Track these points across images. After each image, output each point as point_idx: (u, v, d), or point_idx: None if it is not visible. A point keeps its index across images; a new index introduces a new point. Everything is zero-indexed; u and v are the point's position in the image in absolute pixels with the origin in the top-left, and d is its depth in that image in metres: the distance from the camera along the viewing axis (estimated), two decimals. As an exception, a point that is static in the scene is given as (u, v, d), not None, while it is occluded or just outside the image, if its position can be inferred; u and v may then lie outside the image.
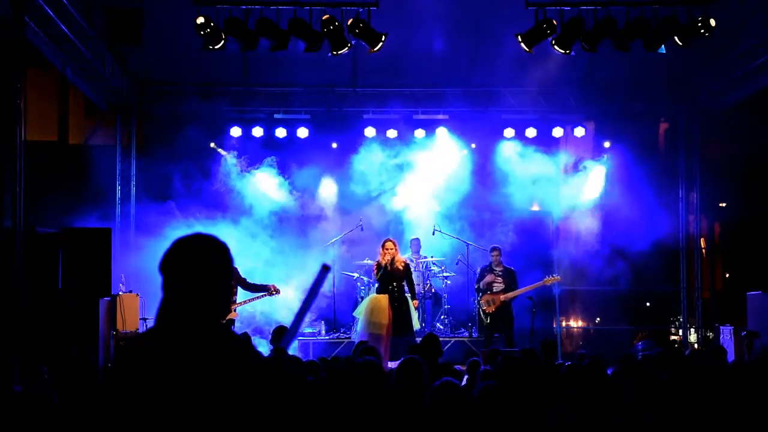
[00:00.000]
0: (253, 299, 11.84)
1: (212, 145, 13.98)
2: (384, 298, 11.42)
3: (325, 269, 2.81)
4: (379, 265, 11.59)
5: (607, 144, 14.37)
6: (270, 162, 13.91)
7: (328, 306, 13.49)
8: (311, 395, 4.97)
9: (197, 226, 13.00)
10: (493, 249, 12.38)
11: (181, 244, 2.58)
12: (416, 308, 11.78)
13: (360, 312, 11.72)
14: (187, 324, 2.50)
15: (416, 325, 11.71)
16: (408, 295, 11.58)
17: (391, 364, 9.24)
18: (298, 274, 12.78)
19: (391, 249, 11.53)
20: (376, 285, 11.72)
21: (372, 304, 11.51)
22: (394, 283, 11.46)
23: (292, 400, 4.38)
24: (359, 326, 11.59)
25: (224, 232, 13.25)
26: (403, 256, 11.95)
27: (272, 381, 2.53)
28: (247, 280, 11.70)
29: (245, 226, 13.55)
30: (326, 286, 13.40)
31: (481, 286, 12.26)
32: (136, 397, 2.42)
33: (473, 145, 14.52)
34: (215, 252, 2.59)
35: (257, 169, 13.87)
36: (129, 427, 2.40)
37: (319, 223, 14.08)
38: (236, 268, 11.84)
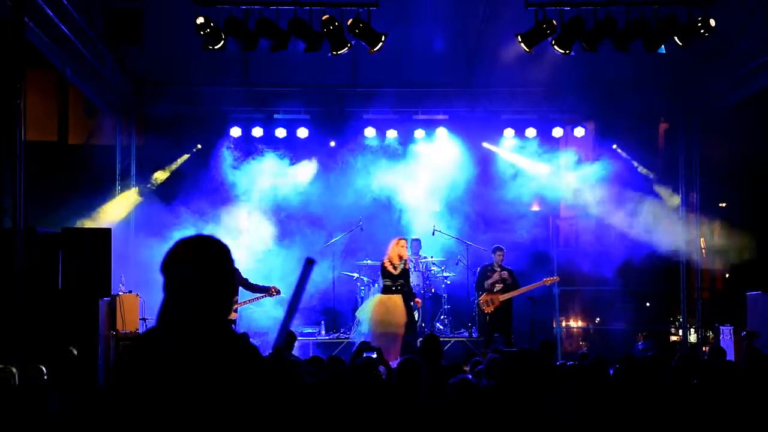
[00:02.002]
0: (253, 300, 11.87)
1: (206, 142, 14.01)
2: (400, 298, 11.43)
3: (309, 263, 2.78)
4: (393, 263, 11.54)
5: (615, 146, 14.35)
6: (269, 159, 13.93)
7: (328, 306, 13.49)
8: (311, 396, 4.97)
9: (197, 225, 13.02)
10: (497, 249, 12.38)
11: (182, 245, 2.59)
12: (419, 307, 11.88)
13: (368, 311, 11.60)
14: (188, 325, 2.51)
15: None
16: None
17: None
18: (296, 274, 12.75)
19: (405, 246, 11.65)
20: (385, 283, 11.63)
21: (389, 303, 11.44)
22: (404, 282, 11.55)
23: (294, 401, 4.38)
24: (366, 326, 11.47)
25: (224, 231, 13.26)
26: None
27: (274, 382, 2.53)
28: (249, 281, 11.75)
29: (244, 225, 13.56)
30: (326, 287, 13.44)
31: (486, 286, 12.24)
32: (140, 397, 2.42)
33: (483, 144, 14.52)
34: (216, 253, 2.59)
35: (255, 158, 13.87)
36: (133, 428, 2.40)
37: (319, 223, 14.08)
38: (237, 269, 11.86)
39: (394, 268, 11.54)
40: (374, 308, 11.51)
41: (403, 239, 11.87)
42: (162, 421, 2.39)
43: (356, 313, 12.28)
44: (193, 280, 2.53)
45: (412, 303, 11.69)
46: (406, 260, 11.63)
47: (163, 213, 13.13)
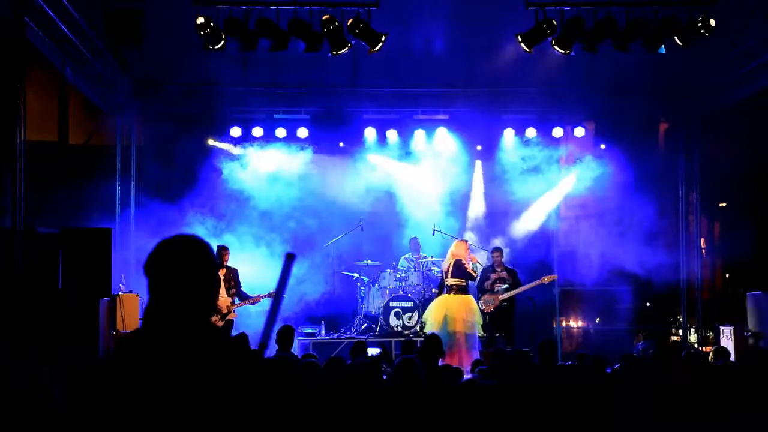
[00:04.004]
0: (252, 301, 11.88)
1: (210, 141, 14.00)
2: (472, 299, 11.67)
3: (290, 258, 2.79)
4: (473, 264, 11.65)
5: (602, 146, 14.38)
6: (269, 159, 13.95)
7: (328, 306, 13.49)
8: (309, 396, 4.96)
9: (197, 224, 13.03)
10: (496, 250, 12.39)
11: (163, 245, 2.60)
12: None
13: (444, 311, 11.52)
14: (173, 325, 2.51)
15: None
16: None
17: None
18: (297, 273, 12.80)
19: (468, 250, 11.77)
20: (457, 284, 11.60)
21: (468, 304, 11.55)
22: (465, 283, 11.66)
23: (286, 400, 4.38)
24: (442, 325, 11.30)
25: (224, 230, 13.28)
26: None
27: (263, 380, 2.52)
28: (241, 289, 11.80)
29: (245, 224, 13.58)
30: (326, 287, 13.44)
31: (486, 286, 12.25)
32: (123, 398, 2.41)
33: (479, 147, 14.53)
34: (196, 252, 2.60)
35: (255, 158, 13.87)
36: (117, 429, 2.39)
37: (318, 223, 14.09)
38: (236, 270, 11.88)
39: (474, 270, 11.64)
40: (451, 308, 11.47)
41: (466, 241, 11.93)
42: (144, 422, 2.39)
43: (424, 317, 12.08)
44: (175, 279, 2.54)
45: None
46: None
47: (163, 212, 13.13)
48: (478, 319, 11.56)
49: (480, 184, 14.61)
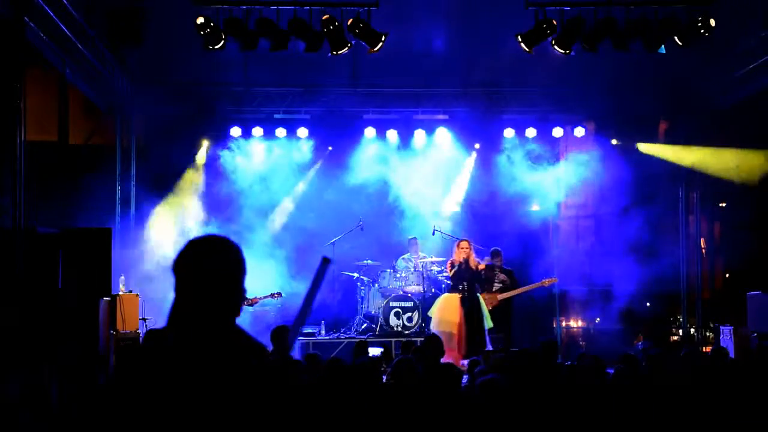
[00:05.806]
0: (253, 301, 11.89)
1: (210, 141, 14.01)
2: (455, 297, 11.46)
3: (325, 262, 2.77)
4: (452, 263, 11.57)
5: (614, 141, 14.39)
6: (269, 158, 13.96)
7: (328, 306, 13.50)
8: (310, 395, 4.97)
9: (197, 224, 13.02)
10: (495, 252, 12.39)
11: (194, 245, 2.58)
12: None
13: (432, 311, 11.75)
14: (200, 325, 2.50)
15: (489, 324, 11.61)
16: (479, 294, 11.70)
17: (464, 362, 9.52)
18: (296, 274, 12.79)
19: (466, 248, 11.58)
20: (449, 284, 11.70)
21: (445, 302, 11.55)
22: (465, 283, 11.48)
23: (299, 402, 4.39)
24: (432, 324, 11.62)
25: (223, 230, 13.26)
26: (477, 259, 11.90)
27: (285, 383, 2.52)
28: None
29: (245, 224, 13.57)
30: (326, 287, 13.44)
31: (484, 287, 12.26)
32: (145, 397, 2.41)
33: (477, 146, 14.55)
34: (228, 253, 2.59)
35: (255, 159, 13.86)
36: (137, 428, 2.39)
37: (319, 222, 14.08)
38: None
39: (452, 269, 11.60)
40: (435, 306, 11.67)
41: (464, 241, 11.80)
42: (163, 420, 2.38)
43: (428, 313, 12.22)
44: (205, 280, 2.52)
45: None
46: (467, 260, 11.53)
47: (162, 212, 13.14)
48: (451, 317, 11.45)
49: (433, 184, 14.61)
